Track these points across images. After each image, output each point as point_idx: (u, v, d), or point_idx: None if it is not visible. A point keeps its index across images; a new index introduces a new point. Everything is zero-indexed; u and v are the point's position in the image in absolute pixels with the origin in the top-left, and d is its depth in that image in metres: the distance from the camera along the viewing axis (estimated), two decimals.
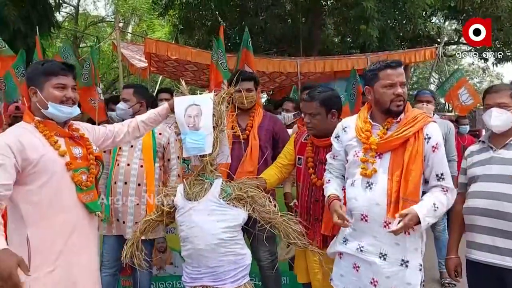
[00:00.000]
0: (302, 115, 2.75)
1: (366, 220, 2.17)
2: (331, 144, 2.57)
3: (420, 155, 2.10)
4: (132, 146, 3.10)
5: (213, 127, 2.37)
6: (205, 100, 2.40)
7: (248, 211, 2.36)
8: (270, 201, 2.42)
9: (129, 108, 3.18)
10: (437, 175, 2.13)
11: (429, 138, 2.13)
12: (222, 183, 2.40)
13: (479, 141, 2.50)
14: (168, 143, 3.21)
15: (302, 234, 2.43)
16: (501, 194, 2.22)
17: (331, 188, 2.33)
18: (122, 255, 2.50)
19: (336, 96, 2.68)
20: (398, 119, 2.18)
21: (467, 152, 2.52)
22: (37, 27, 6.36)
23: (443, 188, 2.12)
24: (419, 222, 2.00)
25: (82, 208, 2.07)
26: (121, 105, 3.23)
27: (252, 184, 2.48)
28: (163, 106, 2.54)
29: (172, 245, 3.62)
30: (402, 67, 2.20)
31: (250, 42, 5.23)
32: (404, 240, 2.10)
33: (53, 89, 2.04)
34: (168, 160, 3.22)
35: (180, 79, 2.67)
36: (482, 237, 2.27)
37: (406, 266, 2.10)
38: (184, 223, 2.35)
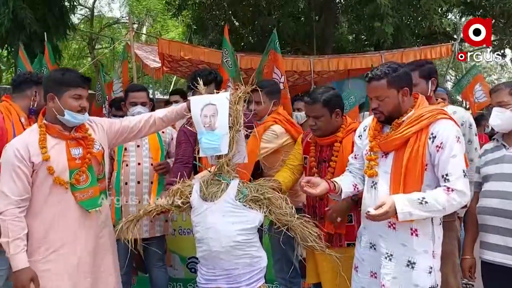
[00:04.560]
0: (306, 118, 2.73)
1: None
2: (333, 142, 2.60)
3: (421, 157, 2.02)
4: (138, 146, 3.13)
5: (230, 127, 2.32)
6: (221, 100, 2.33)
7: (265, 213, 2.31)
8: (287, 203, 2.35)
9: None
10: (442, 176, 2.01)
11: (434, 137, 2.02)
12: (239, 184, 2.34)
13: (493, 139, 2.47)
14: (172, 139, 3.27)
15: (320, 237, 2.37)
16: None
17: (336, 178, 2.34)
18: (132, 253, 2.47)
19: (337, 95, 2.69)
20: (403, 119, 2.12)
21: (481, 151, 2.48)
22: (45, 33, 6.42)
23: (447, 188, 1.98)
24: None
25: (77, 206, 2.24)
26: (142, 109, 3.17)
27: (269, 185, 2.43)
28: (182, 105, 2.54)
29: (171, 247, 3.54)
30: (378, 81, 2.11)
31: (278, 43, 5.21)
32: (411, 241, 2.07)
33: (71, 99, 2.22)
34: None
35: (198, 78, 2.63)
36: (494, 238, 2.24)
37: (413, 267, 2.06)
38: (200, 224, 2.32)
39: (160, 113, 2.56)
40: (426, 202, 1.95)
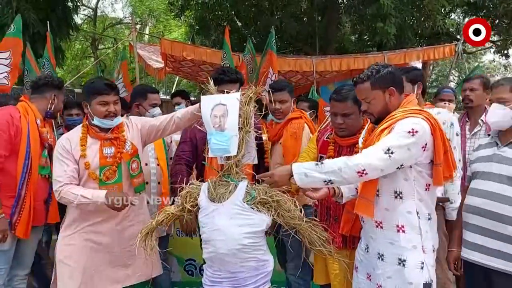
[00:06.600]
0: (331, 117, 2.67)
1: (363, 221, 2.24)
2: (354, 143, 2.56)
3: None
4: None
5: (239, 128, 2.26)
6: (232, 100, 2.28)
7: (273, 216, 2.26)
8: (296, 206, 2.29)
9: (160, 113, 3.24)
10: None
11: (393, 128, 2.02)
12: (247, 186, 2.29)
13: (489, 134, 2.45)
14: (171, 142, 3.32)
15: (328, 241, 2.32)
16: (496, 194, 2.18)
17: None
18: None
19: None
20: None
21: (476, 145, 2.49)
22: (48, 30, 6.39)
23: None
24: None
25: None
26: (159, 110, 3.32)
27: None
28: (195, 105, 2.59)
29: (170, 250, 3.45)
30: (362, 84, 2.15)
31: (275, 42, 5.22)
32: (399, 238, 2.07)
33: (98, 106, 2.52)
34: (171, 158, 3.28)
35: (209, 77, 2.61)
36: (474, 236, 2.24)
37: (404, 265, 2.06)
38: (207, 225, 2.28)
39: (179, 113, 2.69)
40: (322, 164, 2.01)
